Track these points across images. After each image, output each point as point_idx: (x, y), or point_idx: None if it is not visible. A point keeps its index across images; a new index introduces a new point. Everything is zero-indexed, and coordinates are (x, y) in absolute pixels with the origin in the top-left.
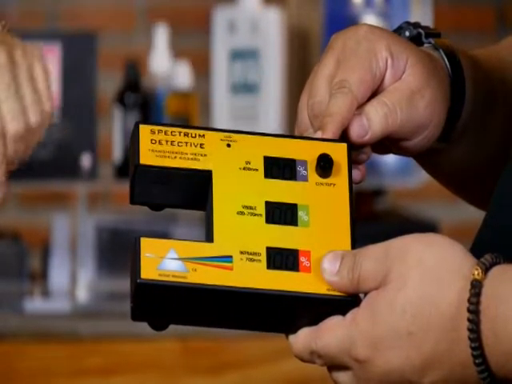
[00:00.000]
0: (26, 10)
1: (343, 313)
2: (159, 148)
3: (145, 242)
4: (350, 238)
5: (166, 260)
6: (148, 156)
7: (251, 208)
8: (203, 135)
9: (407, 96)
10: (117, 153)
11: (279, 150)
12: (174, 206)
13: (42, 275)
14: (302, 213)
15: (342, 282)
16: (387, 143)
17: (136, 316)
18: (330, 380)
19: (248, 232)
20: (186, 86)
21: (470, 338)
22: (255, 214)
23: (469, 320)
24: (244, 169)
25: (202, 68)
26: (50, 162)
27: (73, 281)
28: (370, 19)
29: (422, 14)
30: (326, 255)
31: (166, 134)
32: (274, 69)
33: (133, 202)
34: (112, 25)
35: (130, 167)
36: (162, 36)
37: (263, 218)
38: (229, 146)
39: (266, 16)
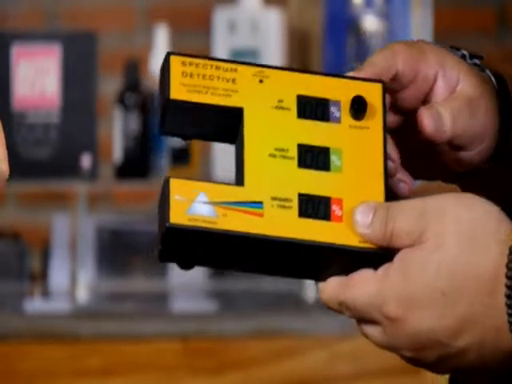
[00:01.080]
0: (26, 10)
1: (374, 266)
2: (190, 82)
3: (174, 183)
4: (383, 187)
5: (195, 204)
6: (179, 90)
7: (283, 150)
8: (235, 69)
9: (466, 103)
10: (117, 153)
11: (313, 88)
12: (204, 138)
13: (42, 275)
14: (334, 157)
15: (374, 234)
16: (444, 152)
17: (163, 257)
18: (331, 381)
19: (280, 176)
20: None
21: (507, 304)
22: (287, 157)
23: (506, 286)
24: (276, 107)
25: None
26: (51, 161)
27: (73, 281)
28: (370, 19)
29: (422, 15)
30: (358, 207)
31: (197, 66)
32: None
33: (162, 132)
34: (112, 25)
35: (159, 97)
36: (162, 36)
37: (295, 162)
38: (261, 81)
39: (267, 16)
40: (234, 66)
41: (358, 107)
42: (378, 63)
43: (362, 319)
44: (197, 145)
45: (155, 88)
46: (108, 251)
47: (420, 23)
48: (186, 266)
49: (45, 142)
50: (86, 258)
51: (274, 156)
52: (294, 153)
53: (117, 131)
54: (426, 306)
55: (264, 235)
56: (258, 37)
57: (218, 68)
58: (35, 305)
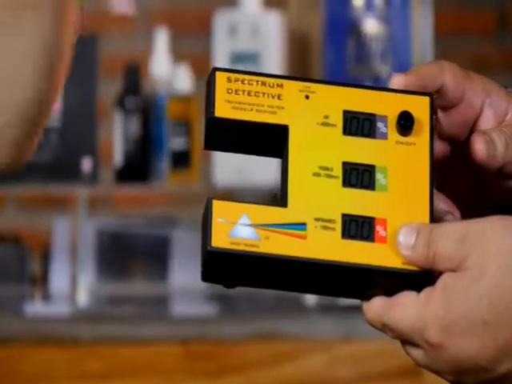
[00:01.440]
0: None
1: (418, 288)
2: (235, 99)
3: (217, 205)
4: (428, 208)
5: (238, 226)
6: (224, 107)
7: (328, 169)
8: (281, 85)
9: None
10: (117, 156)
11: (359, 103)
12: (248, 153)
13: (43, 279)
14: (379, 175)
15: (416, 256)
16: (491, 181)
17: (206, 278)
18: (332, 383)
19: (324, 196)
20: (186, 90)
21: None
22: (332, 176)
23: None
24: (322, 124)
25: (203, 71)
26: (51, 165)
27: (73, 284)
28: (371, 23)
29: (422, 18)
30: (402, 228)
31: (242, 82)
32: (274, 72)
33: (207, 148)
34: (112, 28)
35: (205, 112)
36: (162, 39)
37: (340, 181)
38: (307, 97)
39: (267, 19)
40: (280, 81)
41: (405, 123)
42: (425, 70)
43: (405, 341)
44: (197, 148)
45: (155, 91)
46: (108, 254)
47: (420, 26)
48: (229, 286)
49: (45, 145)
50: (87, 262)
51: (318, 175)
52: (338, 171)
53: (117, 134)
54: (467, 334)
55: (307, 258)
56: (258, 40)
57: (263, 84)
58: (35, 308)
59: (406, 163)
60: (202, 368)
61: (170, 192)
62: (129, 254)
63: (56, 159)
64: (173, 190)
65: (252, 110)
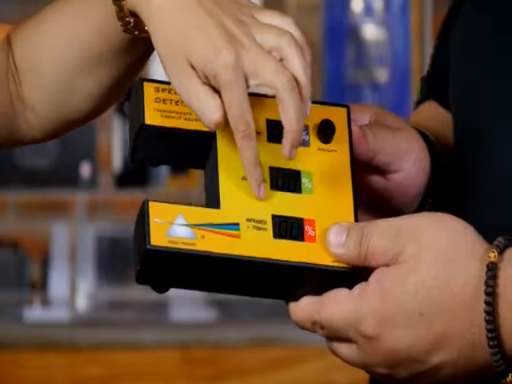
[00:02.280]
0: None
1: (347, 285)
2: (164, 107)
3: (153, 206)
4: (352, 208)
5: (174, 226)
6: (153, 115)
7: None
8: None
9: (385, 127)
10: (116, 162)
11: None
12: (173, 164)
13: (42, 284)
14: (305, 180)
15: (348, 253)
16: (374, 181)
17: (141, 279)
18: None
19: (253, 199)
20: None
21: (486, 320)
22: None
23: (486, 302)
24: None
25: None
26: (50, 170)
27: (72, 290)
28: (370, 28)
29: (421, 22)
30: (331, 227)
31: (170, 92)
32: None
33: (133, 159)
34: None
35: (131, 124)
36: None
37: (268, 185)
38: None
39: None
40: None
41: (326, 131)
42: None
43: (336, 337)
44: None
45: None
46: (107, 260)
47: (419, 31)
48: (161, 288)
49: (44, 151)
50: (86, 267)
51: (246, 179)
52: (266, 176)
53: (116, 140)
54: (403, 326)
55: (242, 256)
56: None
57: None
58: (34, 313)
59: (328, 168)
60: (201, 373)
61: (169, 197)
62: (128, 260)
63: (55, 165)
64: (172, 195)
65: (180, 118)
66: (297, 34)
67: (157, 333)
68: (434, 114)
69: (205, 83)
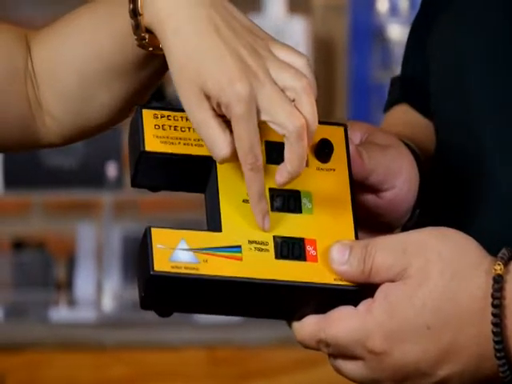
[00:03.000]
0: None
1: (350, 303)
2: (163, 134)
3: (155, 233)
4: (352, 226)
5: (177, 251)
6: (152, 142)
7: None
8: None
9: (378, 147)
10: None
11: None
12: (173, 189)
13: (68, 284)
14: (305, 200)
15: (351, 271)
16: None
17: (146, 305)
18: None
19: (255, 220)
20: None
21: (493, 332)
22: None
23: (493, 314)
24: None
25: None
26: (76, 171)
27: (98, 290)
28: (395, 28)
29: None
30: (334, 245)
31: (168, 118)
32: None
33: (134, 185)
34: None
35: (130, 150)
36: None
37: (268, 206)
38: None
39: (291, 24)
40: None
41: (325, 150)
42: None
43: (342, 355)
44: None
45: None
46: (133, 260)
47: None
48: (165, 313)
49: (70, 151)
50: (112, 267)
51: (247, 201)
52: (265, 196)
53: None
54: (411, 340)
55: (245, 278)
56: None
57: (188, 119)
58: (60, 313)
59: (328, 187)
60: (227, 373)
61: (196, 197)
62: None
63: (81, 165)
64: (199, 195)
65: (180, 143)
66: (310, 75)
67: (182, 333)
68: (410, 119)
69: (217, 114)
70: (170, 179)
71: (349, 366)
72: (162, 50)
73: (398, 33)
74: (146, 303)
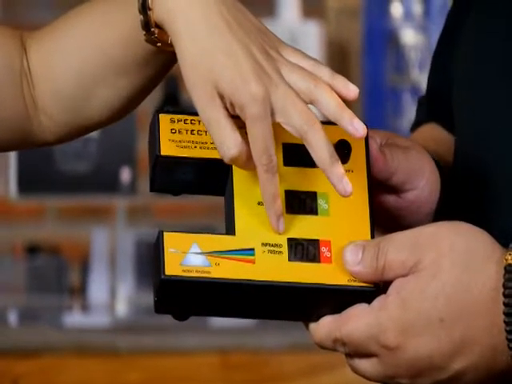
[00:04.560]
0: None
1: (365, 302)
2: (179, 138)
3: (168, 237)
4: (369, 227)
5: (189, 255)
6: (168, 146)
7: None
8: None
9: (400, 148)
10: None
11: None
12: (192, 192)
13: (82, 289)
14: (321, 201)
15: (365, 271)
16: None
17: (159, 309)
18: None
19: (269, 223)
20: None
21: (505, 322)
22: None
23: (504, 304)
24: None
25: None
26: (90, 176)
27: (112, 295)
28: (409, 33)
29: None
30: (347, 246)
31: (185, 122)
32: None
33: (152, 189)
34: None
35: (149, 154)
36: None
37: (283, 208)
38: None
39: (305, 28)
40: None
41: (343, 151)
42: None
43: (357, 353)
44: None
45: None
46: (147, 265)
47: None
48: (181, 317)
49: (84, 156)
50: (125, 272)
51: (262, 204)
52: (281, 199)
53: None
54: (424, 333)
55: (256, 281)
56: None
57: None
58: (74, 318)
59: None
60: (240, 378)
61: (209, 202)
62: None
63: (95, 170)
64: (212, 200)
65: (196, 147)
66: (326, 72)
67: (196, 338)
68: (437, 136)
69: (229, 114)
70: (188, 183)
71: (364, 365)
72: (170, 45)
73: (411, 37)
74: (159, 307)
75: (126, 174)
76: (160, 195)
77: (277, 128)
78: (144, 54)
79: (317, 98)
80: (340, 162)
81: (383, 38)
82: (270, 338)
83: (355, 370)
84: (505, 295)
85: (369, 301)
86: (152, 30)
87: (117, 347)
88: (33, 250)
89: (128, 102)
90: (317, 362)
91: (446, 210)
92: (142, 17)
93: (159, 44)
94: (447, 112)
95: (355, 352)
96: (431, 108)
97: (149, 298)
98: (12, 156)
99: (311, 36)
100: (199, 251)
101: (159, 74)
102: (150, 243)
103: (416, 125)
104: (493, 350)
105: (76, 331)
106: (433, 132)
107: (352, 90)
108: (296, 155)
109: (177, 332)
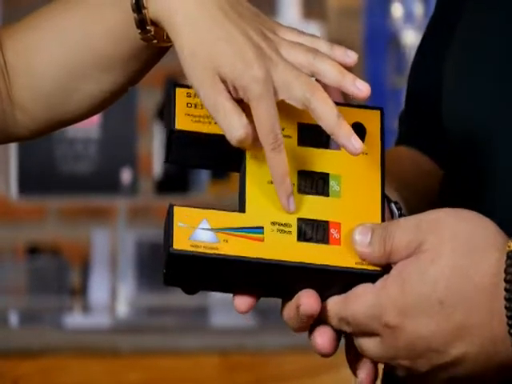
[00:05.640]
0: None
1: (373, 283)
2: (195, 112)
3: (178, 211)
4: (379, 211)
5: (198, 230)
6: (184, 121)
7: None
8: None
9: None
10: (157, 168)
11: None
12: (208, 167)
13: (82, 290)
14: (333, 183)
15: (373, 253)
16: None
17: (168, 281)
18: None
19: (279, 202)
20: None
21: (506, 308)
22: None
23: (506, 290)
24: None
25: None
26: (91, 176)
27: (113, 296)
28: (410, 34)
29: None
30: (357, 228)
31: None
32: None
33: (167, 161)
34: None
35: (165, 128)
36: None
37: (295, 188)
38: None
39: (306, 29)
40: None
41: (357, 134)
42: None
43: (361, 332)
44: None
45: None
46: (148, 266)
47: None
48: (190, 290)
49: (84, 157)
50: (126, 273)
51: (272, 183)
52: (294, 179)
53: (157, 146)
54: (423, 315)
55: (263, 259)
56: None
57: None
58: (75, 319)
59: (358, 171)
60: (241, 379)
61: (210, 203)
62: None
63: (95, 171)
64: (212, 200)
65: (211, 123)
66: (324, 44)
67: (197, 339)
68: (402, 161)
69: (232, 97)
70: (203, 158)
71: (368, 344)
72: (167, 41)
73: (412, 38)
74: (167, 279)
75: (126, 175)
76: (160, 196)
77: (292, 108)
78: (131, 49)
79: (317, 67)
80: (346, 123)
81: (384, 39)
82: (271, 338)
83: (360, 349)
84: (506, 281)
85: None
86: (148, 28)
87: (117, 348)
88: (33, 250)
89: (110, 96)
90: (317, 362)
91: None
92: (136, 15)
93: (155, 41)
94: (423, 133)
95: (359, 331)
96: (406, 129)
97: (150, 299)
98: (13, 156)
99: None
100: (208, 227)
101: (143, 70)
102: (151, 244)
103: (396, 142)
104: (493, 340)
105: (77, 332)
106: (401, 155)
107: (351, 57)
108: (311, 135)
109: (177, 333)
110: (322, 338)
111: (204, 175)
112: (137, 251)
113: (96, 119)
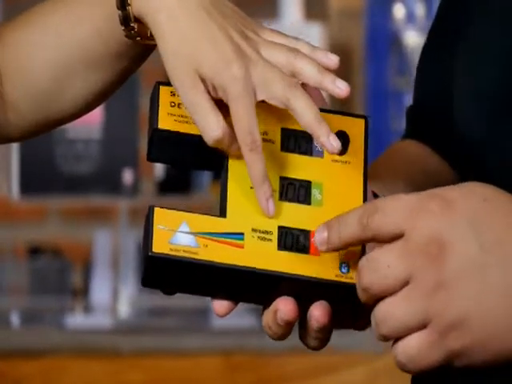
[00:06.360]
0: None
1: (350, 298)
2: (178, 112)
3: (158, 213)
4: None
5: (177, 233)
6: (166, 120)
7: None
8: (222, 101)
9: None
10: (158, 169)
11: (296, 122)
12: (189, 167)
13: (84, 291)
14: (315, 191)
15: (353, 230)
16: None
17: (146, 283)
18: None
19: (260, 208)
20: None
21: None
22: None
23: None
24: (262, 140)
25: None
26: (92, 177)
27: (114, 296)
28: (412, 35)
29: None
30: (317, 229)
31: None
32: None
33: (149, 159)
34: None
35: (148, 126)
36: None
37: (277, 195)
38: None
39: (308, 30)
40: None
41: (341, 142)
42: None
43: (382, 238)
44: None
45: None
46: None
47: None
48: (168, 292)
49: (86, 157)
50: (128, 273)
51: None
52: (276, 186)
53: None
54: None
55: (242, 267)
56: None
57: None
58: (76, 320)
59: (340, 180)
60: (243, 379)
61: (212, 203)
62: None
63: (97, 171)
64: (214, 201)
65: (193, 123)
66: (306, 46)
67: (199, 339)
68: (409, 156)
69: (211, 98)
70: (184, 158)
71: (385, 255)
72: (150, 39)
73: (414, 39)
74: (145, 281)
75: (128, 176)
76: (162, 196)
77: (276, 113)
78: (118, 47)
79: (297, 67)
80: (325, 122)
81: (386, 40)
82: None
83: (370, 283)
84: None
85: (354, 297)
86: (132, 25)
87: (119, 349)
88: (35, 251)
89: (100, 95)
90: (319, 363)
91: None
92: (120, 12)
93: (139, 38)
94: (429, 129)
95: (381, 235)
96: (413, 124)
97: (151, 300)
98: (14, 157)
99: (314, 38)
100: (188, 231)
101: (132, 67)
102: None
103: (402, 138)
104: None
105: (78, 333)
106: (407, 150)
107: (332, 59)
108: (294, 141)
109: (179, 333)
110: (319, 309)
111: (206, 176)
112: (138, 252)
113: (98, 119)
